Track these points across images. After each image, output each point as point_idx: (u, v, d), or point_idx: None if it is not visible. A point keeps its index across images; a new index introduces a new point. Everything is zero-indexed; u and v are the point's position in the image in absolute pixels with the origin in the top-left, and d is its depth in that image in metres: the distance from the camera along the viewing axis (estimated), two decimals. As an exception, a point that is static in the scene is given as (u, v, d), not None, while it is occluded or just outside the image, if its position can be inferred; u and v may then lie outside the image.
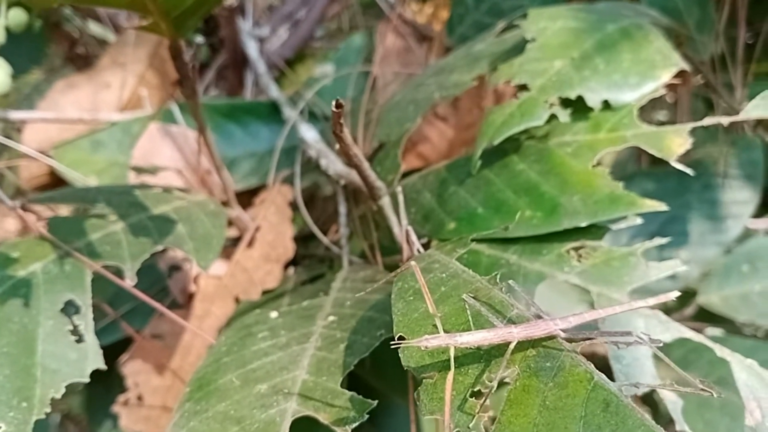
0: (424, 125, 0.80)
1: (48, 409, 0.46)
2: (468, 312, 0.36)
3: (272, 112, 0.84)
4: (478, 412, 0.32)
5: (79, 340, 0.49)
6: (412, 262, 0.40)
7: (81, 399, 0.87)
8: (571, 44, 0.56)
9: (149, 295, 0.67)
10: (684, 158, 0.52)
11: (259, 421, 0.39)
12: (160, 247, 0.56)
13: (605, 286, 0.47)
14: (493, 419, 0.32)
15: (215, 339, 0.69)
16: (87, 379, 0.48)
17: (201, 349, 0.69)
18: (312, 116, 0.83)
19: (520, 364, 0.34)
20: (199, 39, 0.59)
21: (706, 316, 0.87)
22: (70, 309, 0.51)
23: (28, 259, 0.52)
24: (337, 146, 0.49)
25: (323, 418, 0.39)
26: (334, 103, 0.42)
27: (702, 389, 0.32)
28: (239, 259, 0.72)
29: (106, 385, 0.75)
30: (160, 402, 0.69)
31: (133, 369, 0.70)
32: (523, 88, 0.54)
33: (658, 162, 0.98)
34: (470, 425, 0.32)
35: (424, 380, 0.34)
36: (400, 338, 0.37)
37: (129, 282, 0.53)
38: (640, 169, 0.91)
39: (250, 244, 0.72)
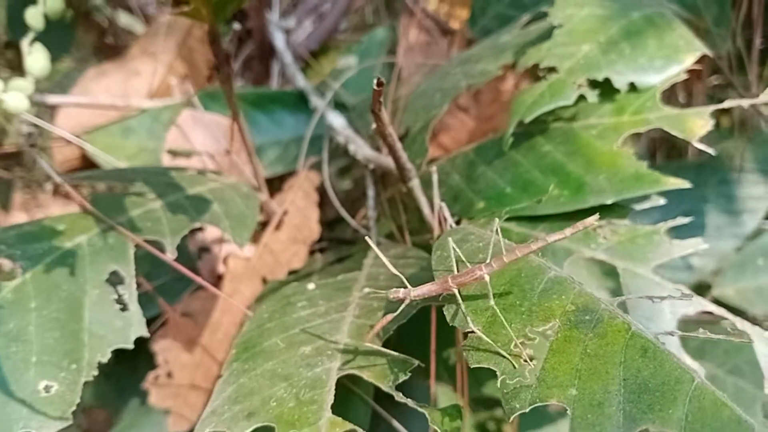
0: (446, 116, 0.82)
1: (95, 372, 0.48)
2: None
3: (297, 102, 0.86)
4: (523, 360, 0.34)
5: (123, 309, 0.51)
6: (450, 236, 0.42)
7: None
8: (598, 30, 0.58)
9: (183, 274, 0.69)
10: (700, 154, 0.54)
11: (306, 378, 0.41)
12: (198, 224, 0.58)
13: (630, 262, 0.49)
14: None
15: (243, 317, 0.71)
16: (131, 346, 0.50)
17: (229, 326, 0.72)
18: (337, 106, 0.85)
19: (560, 318, 0.36)
20: (237, 26, 0.61)
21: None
22: (114, 279, 0.53)
23: (73, 231, 0.55)
24: (373, 126, 0.51)
25: (367, 376, 0.41)
26: (375, 81, 0.44)
27: (732, 335, 0.34)
28: (267, 242, 0.74)
29: (133, 363, 0.77)
30: (188, 379, 0.71)
31: (163, 346, 0.72)
32: (551, 70, 0.56)
33: (673, 156, 0.99)
34: (515, 371, 0.34)
35: (469, 335, 0.37)
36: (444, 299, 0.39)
37: (170, 255, 0.55)
38: (656, 163, 0.93)
39: (278, 227, 0.74)
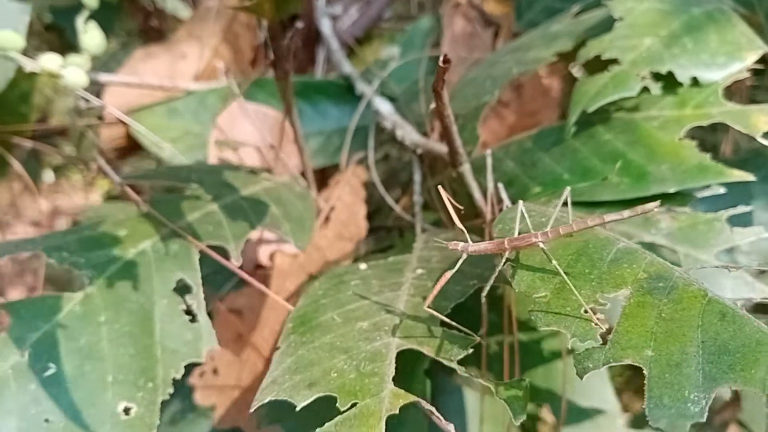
0: (487, 110, 0.82)
1: (171, 390, 0.46)
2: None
3: (341, 92, 0.86)
4: (594, 324, 0.34)
5: (192, 320, 0.49)
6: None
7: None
8: (659, 24, 0.58)
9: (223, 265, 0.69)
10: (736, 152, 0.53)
11: (366, 351, 0.41)
12: (259, 228, 0.56)
13: (692, 248, 0.48)
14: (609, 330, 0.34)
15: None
16: (203, 360, 0.48)
17: (275, 324, 0.70)
18: (381, 95, 0.85)
19: (632, 285, 0.36)
20: (300, 24, 0.61)
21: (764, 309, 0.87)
22: (180, 288, 0.51)
23: (135, 237, 0.53)
24: (431, 106, 0.51)
25: (427, 351, 0.41)
26: (441, 57, 0.44)
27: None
28: (314, 239, 0.73)
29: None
30: (234, 375, 0.70)
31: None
32: (613, 62, 0.56)
33: (716, 153, 0.98)
34: (586, 333, 0.34)
35: (537, 299, 0.37)
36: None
37: (235, 263, 0.53)
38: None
39: (325, 223, 0.74)
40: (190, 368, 0.69)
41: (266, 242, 0.75)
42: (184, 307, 0.50)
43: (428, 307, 0.40)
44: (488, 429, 0.69)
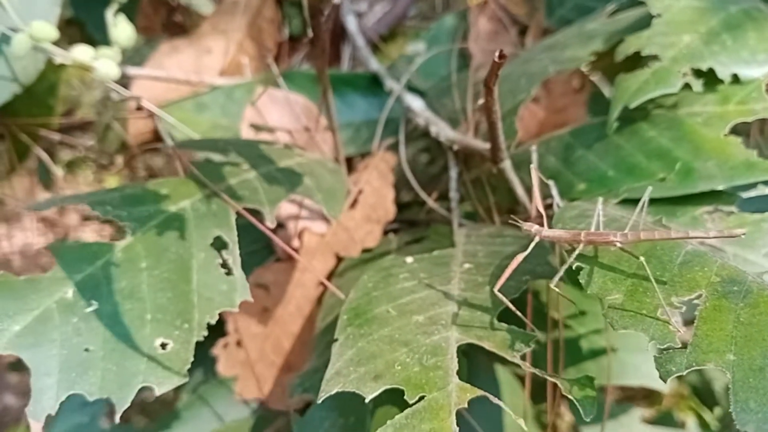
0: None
1: (205, 333, 0.49)
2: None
3: (369, 85, 0.86)
4: (672, 327, 0.35)
5: (228, 273, 0.52)
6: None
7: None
8: (698, 21, 0.58)
9: (257, 247, 0.70)
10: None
11: (426, 345, 0.42)
12: (293, 195, 0.59)
13: (740, 248, 0.48)
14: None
15: (315, 290, 0.72)
16: (236, 309, 0.51)
17: (301, 300, 0.72)
18: (410, 90, 0.85)
19: (706, 288, 0.36)
20: (337, 0, 0.61)
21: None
22: (217, 244, 0.54)
23: (177, 196, 0.55)
24: (480, 101, 0.52)
25: (488, 346, 0.41)
26: (497, 53, 0.44)
27: None
28: (341, 219, 0.74)
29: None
30: (257, 348, 0.72)
31: (234, 316, 0.72)
32: (653, 58, 0.56)
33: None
34: (665, 336, 0.34)
35: (610, 301, 0.37)
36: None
37: (269, 224, 0.56)
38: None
39: (353, 205, 0.75)
40: (214, 339, 0.70)
41: (300, 223, 0.76)
42: (220, 261, 0.52)
43: (498, 291, 0.41)
44: (506, 420, 0.70)
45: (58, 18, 0.71)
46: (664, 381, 0.34)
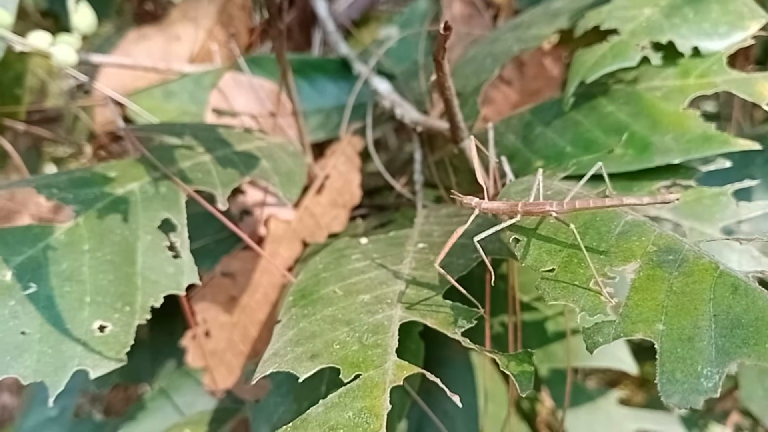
0: (490, 88, 0.81)
1: (148, 316, 0.48)
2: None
3: (339, 70, 0.85)
4: (604, 298, 0.34)
5: (176, 256, 0.51)
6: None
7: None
8: (659, -7, 0.57)
9: (222, 236, 0.68)
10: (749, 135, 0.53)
11: (368, 324, 0.41)
12: (248, 178, 0.58)
13: (697, 222, 0.48)
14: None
15: (282, 277, 0.71)
16: (183, 292, 0.50)
17: (268, 287, 0.71)
18: (380, 74, 0.84)
19: (641, 258, 0.35)
20: None
21: None
22: (166, 227, 0.53)
23: (125, 179, 0.54)
24: (432, 78, 0.51)
25: (431, 323, 0.40)
26: (442, 25, 0.43)
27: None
28: (308, 205, 0.73)
29: (170, 325, 0.77)
30: (226, 337, 0.71)
31: (202, 306, 0.71)
32: (612, 32, 0.55)
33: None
34: (596, 307, 0.33)
35: (544, 273, 0.36)
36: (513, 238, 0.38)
37: (221, 207, 0.55)
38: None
39: (319, 191, 0.74)
40: (182, 330, 0.70)
41: (267, 210, 0.75)
42: (168, 244, 0.51)
43: (448, 268, 0.40)
44: (490, 407, 0.69)
45: (17, 5, 0.70)
46: (590, 352, 0.33)
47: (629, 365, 0.68)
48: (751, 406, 0.71)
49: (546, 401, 0.91)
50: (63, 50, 0.67)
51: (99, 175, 0.54)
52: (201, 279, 0.73)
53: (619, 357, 0.68)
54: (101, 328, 0.45)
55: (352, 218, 0.75)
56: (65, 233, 0.49)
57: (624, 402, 0.82)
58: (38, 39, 0.67)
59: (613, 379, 1.03)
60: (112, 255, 0.48)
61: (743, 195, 0.83)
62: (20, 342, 0.43)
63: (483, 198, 0.43)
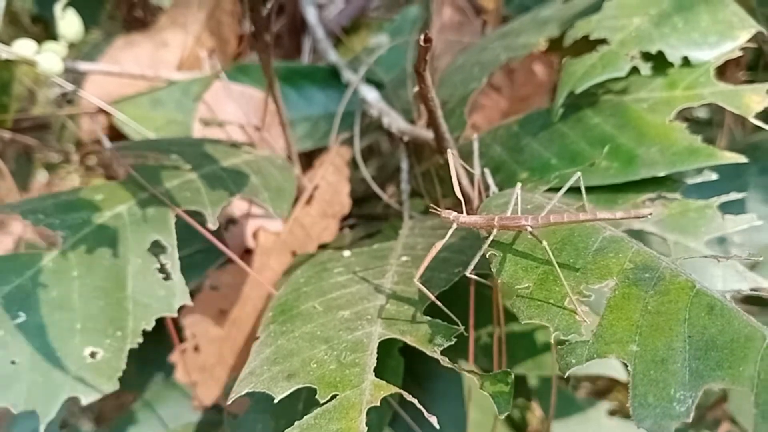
0: (479, 95, 0.80)
1: (140, 339, 0.47)
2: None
3: (328, 78, 0.85)
4: (578, 317, 0.33)
5: (166, 278, 0.50)
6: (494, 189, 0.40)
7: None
8: (649, 3, 0.56)
9: (208, 246, 0.68)
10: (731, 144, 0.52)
11: (347, 341, 0.40)
12: (237, 196, 0.56)
13: (682, 236, 0.47)
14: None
15: (274, 291, 0.70)
16: (175, 314, 0.49)
17: (258, 301, 0.70)
18: (369, 82, 0.83)
19: (617, 276, 0.34)
20: None
21: (758, 301, 0.86)
22: (155, 250, 0.52)
23: (112, 201, 0.53)
24: (415, 89, 0.50)
25: (410, 340, 0.39)
26: (422, 36, 0.42)
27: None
28: (297, 216, 0.72)
29: (158, 338, 0.76)
30: (215, 352, 0.70)
31: (192, 320, 0.70)
32: (602, 42, 0.54)
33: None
34: (570, 326, 0.32)
35: (519, 290, 0.35)
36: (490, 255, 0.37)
37: (211, 227, 0.54)
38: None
39: (309, 201, 0.73)
40: (172, 346, 0.69)
41: (254, 220, 0.74)
42: (158, 266, 0.51)
43: (429, 283, 0.39)
44: (476, 417, 0.68)
45: (2, 12, 0.70)
46: (563, 373, 0.32)
47: (620, 372, 0.68)
48: (739, 418, 0.70)
49: (536, 410, 0.90)
50: (48, 59, 0.66)
51: (85, 200, 0.53)
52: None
53: (610, 363, 0.67)
54: (92, 355, 0.45)
55: (341, 228, 0.74)
56: (53, 260, 0.48)
57: (614, 413, 0.81)
58: (23, 47, 0.66)
59: (604, 387, 1.03)
60: (102, 280, 0.48)
61: (737, 205, 0.83)
62: (10, 372, 0.43)
63: (469, 213, 0.42)
